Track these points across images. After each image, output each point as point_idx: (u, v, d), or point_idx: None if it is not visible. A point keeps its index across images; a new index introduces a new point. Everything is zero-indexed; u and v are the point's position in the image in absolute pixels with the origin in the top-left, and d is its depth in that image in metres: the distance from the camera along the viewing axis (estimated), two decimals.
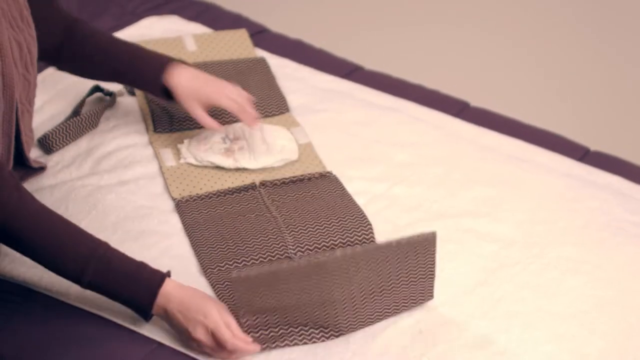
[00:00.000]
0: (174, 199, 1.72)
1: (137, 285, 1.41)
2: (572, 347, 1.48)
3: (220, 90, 1.75)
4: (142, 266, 1.43)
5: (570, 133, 2.21)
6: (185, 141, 1.84)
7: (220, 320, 1.39)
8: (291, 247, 1.61)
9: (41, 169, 1.75)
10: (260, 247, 1.61)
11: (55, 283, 1.54)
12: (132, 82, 1.80)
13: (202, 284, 1.54)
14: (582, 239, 1.70)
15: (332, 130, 1.94)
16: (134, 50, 1.76)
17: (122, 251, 1.45)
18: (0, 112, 1.51)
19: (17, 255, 1.59)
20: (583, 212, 1.78)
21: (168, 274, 1.44)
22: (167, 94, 1.75)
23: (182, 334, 1.43)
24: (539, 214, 1.76)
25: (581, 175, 1.89)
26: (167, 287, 1.41)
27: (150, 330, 1.47)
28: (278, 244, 1.61)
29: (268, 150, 1.81)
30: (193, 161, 1.80)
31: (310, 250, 1.61)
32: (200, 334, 1.40)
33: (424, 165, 1.85)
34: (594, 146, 2.08)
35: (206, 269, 1.57)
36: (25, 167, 1.71)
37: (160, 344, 1.45)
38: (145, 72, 1.74)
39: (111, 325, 1.48)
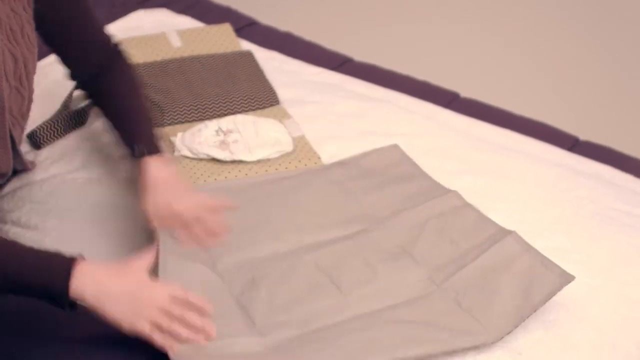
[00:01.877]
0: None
1: (48, 270, 1.29)
2: (561, 334, 1.48)
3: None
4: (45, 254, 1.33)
5: (559, 123, 2.21)
6: (179, 134, 1.83)
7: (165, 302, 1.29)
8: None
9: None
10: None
11: None
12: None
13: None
14: (572, 228, 1.71)
15: (323, 122, 1.94)
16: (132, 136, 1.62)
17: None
18: None
19: None
20: (573, 201, 1.78)
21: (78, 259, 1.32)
22: None
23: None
24: (530, 204, 1.76)
25: (571, 165, 1.90)
26: (83, 270, 1.29)
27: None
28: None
29: (262, 143, 1.81)
30: (188, 153, 1.80)
31: None
32: (145, 326, 1.28)
33: (415, 156, 1.85)
34: (583, 136, 2.09)
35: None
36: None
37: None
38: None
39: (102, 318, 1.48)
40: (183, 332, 1.29)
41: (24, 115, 1.61)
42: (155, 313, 1.29)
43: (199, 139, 1.81)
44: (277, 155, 1.81)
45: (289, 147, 1.83)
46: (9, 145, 1.56)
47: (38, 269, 1.30)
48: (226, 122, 1.85)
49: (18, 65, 1.54)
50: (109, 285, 1.29)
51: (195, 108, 1.91)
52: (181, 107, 1.90)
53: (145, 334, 1.29)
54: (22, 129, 1.63)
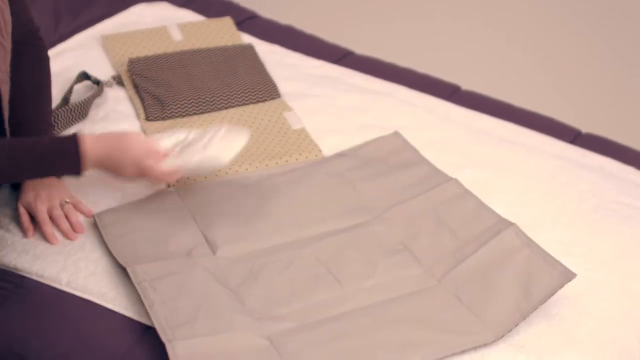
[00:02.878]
0: (167, 185, 1.72)
1: (61, 153, 1.51)
2: (564, 328, 1.48)
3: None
4: (56, 138, 1.53)
5: (561, 115, 2.21)
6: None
7: (144, 153, 1.54)
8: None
9: None
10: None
11: (46, 269, 1.54)
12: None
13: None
14: (574, 221, 1.71)
15: (324, 115, 1.94)
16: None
17: None
18: None
19: (8, 242, 1.59)
20: (575, 194, 1.78)
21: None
22: None
23: (117, 176, 1.57)
24: (531, 197, 1.76)
25: (573, 158, 1.89)
26: (87, 144, 1.51)
27: (141, 315, 1.47)
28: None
29: (206, 146, 1.63)
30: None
31: None
32: (129, 172, 1.55)
33: (416, 148, 1.85)
34: (585, 128, 2.08)
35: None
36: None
37: (149, 328, 1.45)
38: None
39: (102, 311, 1.48)
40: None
41: (8, 71, 1.60)
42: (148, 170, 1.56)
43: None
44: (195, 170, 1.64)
45: (217, 161, 1.62)
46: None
47: (51, 159, 1.51)
48: (187, 133, 1.67)
49: None
50: (111, 152, 1.53)
51: (196, 101, 1.91)
52: (182, 101, 1.90)
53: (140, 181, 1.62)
54: (8, 86, 1.62)
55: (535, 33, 3.37)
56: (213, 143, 1.60)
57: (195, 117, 1.89)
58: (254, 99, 1.94)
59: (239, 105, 1.93)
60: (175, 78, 1.97)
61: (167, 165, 1.57)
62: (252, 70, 2.02)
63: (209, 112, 1.90)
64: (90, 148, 1.51)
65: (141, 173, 1.56)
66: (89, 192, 1.69)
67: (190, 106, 1.90)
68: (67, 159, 1.51)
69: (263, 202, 1.67)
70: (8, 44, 1.58)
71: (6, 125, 1.65)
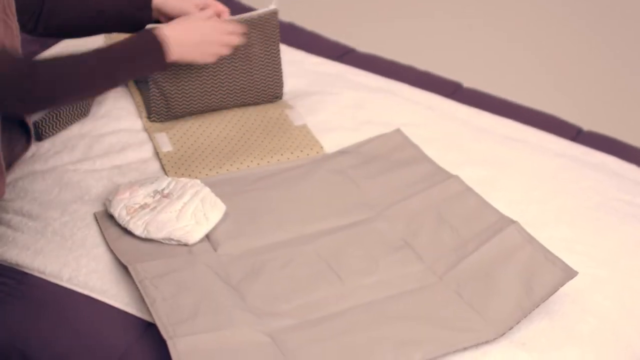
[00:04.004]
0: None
1: (147, 51, 1.61)
2: (565, 325, 1.48)
3: None
4: (138, 38, 1.61)
5: (563, 113, 2.21)
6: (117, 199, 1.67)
7: (219, 33, 1.71)
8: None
9: (27, 143, 1.75)
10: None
11: (48, 265, 1.54)
12: (117, 22, 1.79)
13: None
14: (575, 219, 1.71)
15: (326, 112, 1.94)
16: None
17: None
18: None
19: (10, 238, 1.59)
20: (576, 191, 1.78)
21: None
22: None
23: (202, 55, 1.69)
24: (533, 194, 1.76)
25: (574, 155, 1.89)
26: (163, 36, 1.62)
27: (142, 311, 1.47)
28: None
29: (177, 219, 1.59)
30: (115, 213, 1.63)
31: None
32: (215, 50, 1.71)
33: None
34: (586, 126, 2.08)
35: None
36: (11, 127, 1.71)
37: (150, 324, 1.45)
38: (129, 5, 1.77)
39: (104, 307, 1.48)
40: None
41: (17, 50, 1.61)
42: (217, 49, 1.72)
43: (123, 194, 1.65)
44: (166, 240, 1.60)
45: (184, 239, 1.58)
46: None
47: (139, 60, 1.61)
48: (168, 183, 1.67)
49: None
50: (185, 41, 1.66)
51: (202, 99, 1.88)
52: (188, 98, 1.88)
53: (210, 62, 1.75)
54: None
55: (536, 31, 3.37)
56: (186, 214, 1.59)
57: (194, 117, 1.88)
58: (259, 100, 1.93)
59: (243, 106, 1.92)
60: (184, 73, 1.93)
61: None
62: (266, 57, 1.94)
63: (211, 111, 1.90)
64: (165, 40, 1.62)
65: (208, 53, 1.70)
66: (91, 189, 1.69)
67: (195, 104, 1.88)
68: (152, 54, 1.61)
69: (264, 199, 1.67)
70: (14, 24, 1.59)
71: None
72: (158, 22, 1.79)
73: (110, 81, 1.58)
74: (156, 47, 1.61)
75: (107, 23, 1.78)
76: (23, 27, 1.75)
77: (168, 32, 1.62)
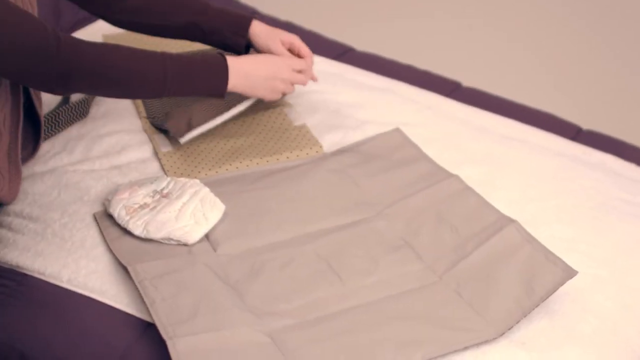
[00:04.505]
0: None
1: (209, 69, 1.62)
2: (565, 324, 1.48)
3: (289, 34, 1.83)
4: (204, 55, 1.63)
5: (562, 112, 2.21)
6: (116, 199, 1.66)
7: (288, 70, 1.73)
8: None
9: (35, 149, 1.75)
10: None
11: (47, 267, 1.54)
12: (208, 37, 1.79)
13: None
14: (575, 218, 1.70)
15: (324, 111, 1.94)
16: (209, 6, 1.79)
17: None
18: None
19: (10, 240, 1.59)
20: (576, 191, 1.78)
21: (222, 55, 1.65)
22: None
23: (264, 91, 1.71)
24: (532, 194, 1.76)
25: (574, 155, 1.89)
26: (231, 62, 1.64)
27: (142, 312, 1.47)
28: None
29: (176, 219, 1.59)
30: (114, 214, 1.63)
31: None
32: (281, 88, 1.72)
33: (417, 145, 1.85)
34: (586, 125, 2.08)
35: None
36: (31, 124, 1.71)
37: (149, 325, 1.45)
38: (228, 26, 1.77)
39: (103, 308, 1.48)
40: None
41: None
42: (283, 86, 1.73)
43: (122, 194, 1.65)
44: (165, 240, 1.59)
45: (183, 239, 1.58)
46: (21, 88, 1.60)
47: (204, 80, 1.62)
48: (168, 182, 1.67)
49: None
50: (252, 75, 1.67)
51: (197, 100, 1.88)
52: (182, 100, 1.88)
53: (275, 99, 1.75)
54: None
55: (535, 30, 3.37)
56: (185, 214, 1.59)
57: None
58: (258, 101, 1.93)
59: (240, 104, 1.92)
60: None
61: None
62: None
63: (210, 115, 1.89)
64: (232, 68, 1.64)
65: (273, 89, 1.71)
66: (90, 189, 1.69)
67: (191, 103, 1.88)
68: (212, 78, 1.62)
69: (264, 199, 1.67)
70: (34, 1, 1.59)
71: (37, 110, 1.66)
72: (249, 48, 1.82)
73: (157, 87, 1.57)
74: (219, 72, 1.62)
75: (199, 36, 1.78)
76: (104, 17, 1.76)
77: (237, 64, 1.64)
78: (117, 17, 1.75)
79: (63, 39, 1.46)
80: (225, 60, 1.63)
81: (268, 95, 1.71)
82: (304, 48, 1.81)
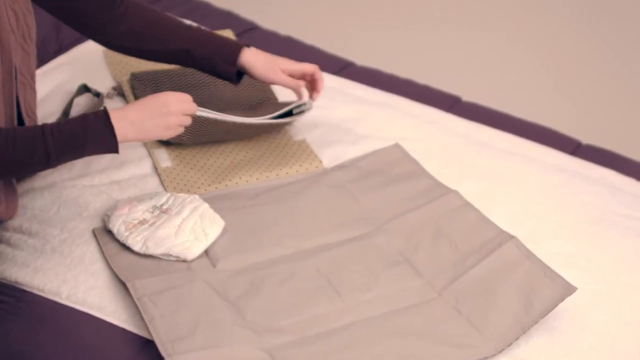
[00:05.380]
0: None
1: (94, 131, 1.50)
2: (564, 341, 1.48)
3: (290, 61, 1.82)
4: (84, 117, 1.51)
5: (562, 127, 2.21)
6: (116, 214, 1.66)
7: (175, 103, 1.57)
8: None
9: None
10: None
11: (47, 283, 1.54)
12: (199, 63, 1.78)
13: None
14: (574, 233, 1.70)
15: (324, 126, 1.94)
16: (200, 33, 1.78)
17: None
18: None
19: (9, 256, 1.59)
20: (576, 205, 1.78)
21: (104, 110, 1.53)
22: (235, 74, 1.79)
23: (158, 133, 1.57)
24: (532, 208, 1.75)
25: (573, 169, 1.89)
26: (113, 114, 1.52)
27: (141, 328, 1.47)
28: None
29: (175, 235, 1.59)
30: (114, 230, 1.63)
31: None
32: (174, 122, 1.57)
33: (416, 160, 1.85)
34: (585, 140, 2.08)
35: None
36: None
37: (148, 341, 1.45)
38: (218, 54, 1.76)
39: (102, 324, 1.48)
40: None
41: (33, 76, 1.62)
42: (176, 120, 1.58)
43: (122, 210, 1.65)
44: (164, 256, 1.59)
45: (183, 255, 1.58)
46: (15, 107, 1.59)
47: (84, 140, 1.50)
48: (167, 198, 1.67)
49: (19, 21, 1.56)
50: (138, 120, 1.54)
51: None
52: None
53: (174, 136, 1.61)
54: (34, 91, 1.64)
55: (535, 45, 3.38)
56: (185, 230, 1.58)
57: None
58: (256, 114, 1.93)
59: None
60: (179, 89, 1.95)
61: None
62: (257, 87, 2.00)
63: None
64: (115, 120, 1.52)
65: (168, 126, 1.57)
66: (90, 204, 1.69)
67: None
68: (100, 139, 1.52)
69: (263, 214, 1.67)
70: (32, 50, 1.61)
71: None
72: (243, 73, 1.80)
73: (43, 164, 1.50)
74: (103, 130, 1.51)
75: (189, 62, 1.78)
76: (97, 40, 1.75)
77: (119, 115, 1.53)
78: (112, 41, 1.75)
79: None
80: (107, 116, 1.51)
81: (165, 133, 1.57)
82: (310, 72, 1.81)
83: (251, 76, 1.79)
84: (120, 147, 1.82)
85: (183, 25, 1.77)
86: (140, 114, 1.54)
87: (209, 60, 1.76)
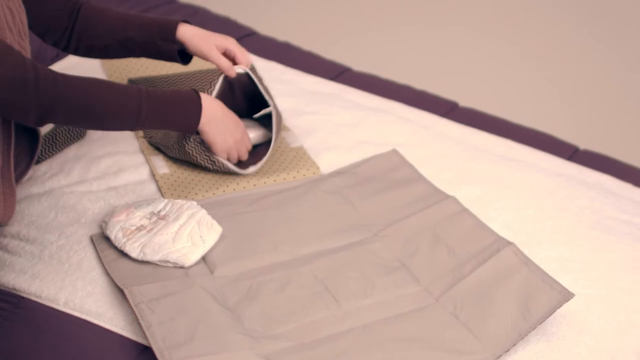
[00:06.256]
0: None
1: (183, 108, 1.63)
2: (561, 345, 1.48)
3: (225, 37, 1.81)
4: (177, 92, 1.64)
5: (558, 132, 2.21)
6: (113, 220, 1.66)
7: (244, 141, 1.74)
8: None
9: (28, 166, 1.75)
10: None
11: (44, 289, 1.54)
12: (144, 49, 1.79)
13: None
14: (571, 238, 1.71)
15: (322, 132, 1.94)
16: (140, 19, 1.78)
17: None
18: None
19: (7, 262, 1.59)
20: (572, 210, 1.78)
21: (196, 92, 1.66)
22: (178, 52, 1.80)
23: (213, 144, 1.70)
24: (528, 213, 1.76)
25: (570, 174, 1.89)
26: (205, 102, 1.65)
27: (138, 334, 1.47)
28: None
29: (173, 241, 1.60)
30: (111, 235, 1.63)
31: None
32: (235, 152, 1.73)
33: (413, 165, 1.85)
34: (582, 145, 2.09)
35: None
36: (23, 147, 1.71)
37: (146, 348, 1.45)
38: (158, 34, 1.76)
39: (100, 331, 1.48)
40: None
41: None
42: (236, 153, 1.75)
43: (118, 217, 1.66)
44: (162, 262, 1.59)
45: (180, 262, 1.58)
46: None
47: (178, 116, 1.64)
48: (165, 204, 1.67)
49: (15, 18, 1.57)
50: (221, 118, 1.68)
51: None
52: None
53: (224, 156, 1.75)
54: None
55: (532, 51, 3.38)
56: (182, 236, 1.59)
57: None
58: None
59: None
60: None
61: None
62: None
63: None
64: (207, 105, 1.65)
65: (235, 142, 1.71)
66: (87, 211, 1.69)
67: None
68: (188, 112, 1.63)
69: (261, 220, 1.67)
70: (28, 45, 1.61)
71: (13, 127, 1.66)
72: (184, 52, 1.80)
73: (131, 122, 1.59)
74: (193, 109, 1.64)
75: (136, 49, 1.78)
76: (56, 45, 1.78)
77: (210, 102, 1.66)
78: (71, 45, 1.77)
79: (42, 73, 1.47)
80: (199, 97, 1.64)
81: (223, 147, 1.72)
82: (240, 53, 1.80)
83: (188, 52, 1.78)
84: (118, 153, 1.84)
85: (126, 15, 1.78)
86: (227, 116, 1.68)
87: (151, 43, 1.76)
